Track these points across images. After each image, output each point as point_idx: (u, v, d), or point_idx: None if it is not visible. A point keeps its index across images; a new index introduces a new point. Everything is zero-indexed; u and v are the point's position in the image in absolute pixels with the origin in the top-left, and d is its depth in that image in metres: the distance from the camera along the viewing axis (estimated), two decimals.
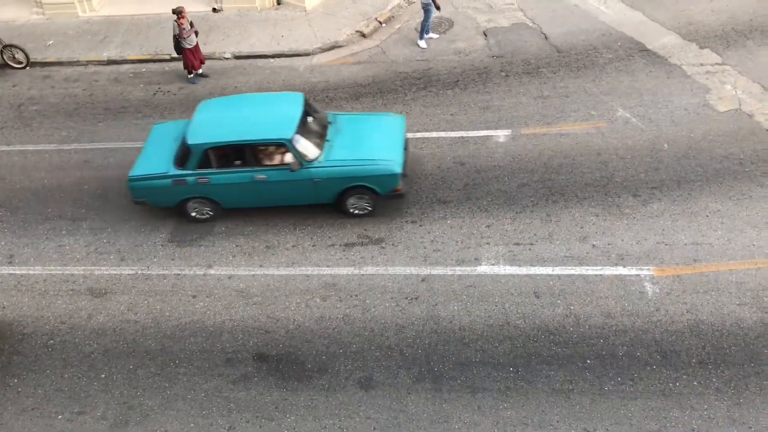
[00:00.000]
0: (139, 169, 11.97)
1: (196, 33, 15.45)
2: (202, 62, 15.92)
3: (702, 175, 12.11)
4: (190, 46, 15.42)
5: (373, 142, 11.82)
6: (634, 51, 15.21)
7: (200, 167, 11.56)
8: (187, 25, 15.13)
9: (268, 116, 11.76)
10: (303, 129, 11.51)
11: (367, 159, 11.48)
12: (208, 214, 12.20)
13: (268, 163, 11.54)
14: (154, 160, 12.03)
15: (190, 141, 11.48)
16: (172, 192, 11.82)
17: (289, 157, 11.35)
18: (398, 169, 11.41)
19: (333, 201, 11.84)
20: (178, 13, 14.92)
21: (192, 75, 15.91)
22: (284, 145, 11.27)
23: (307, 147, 11.42)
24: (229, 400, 9.62)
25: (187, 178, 11.64)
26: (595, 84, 14.35)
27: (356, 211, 11.91)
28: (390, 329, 10.20)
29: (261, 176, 11.50)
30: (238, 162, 11.57)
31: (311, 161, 11.40)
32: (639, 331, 9.81)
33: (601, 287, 10.41)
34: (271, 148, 11.49)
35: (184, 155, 11.62)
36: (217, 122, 11.75)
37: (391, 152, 11.65)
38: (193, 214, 12.18)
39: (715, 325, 9.83)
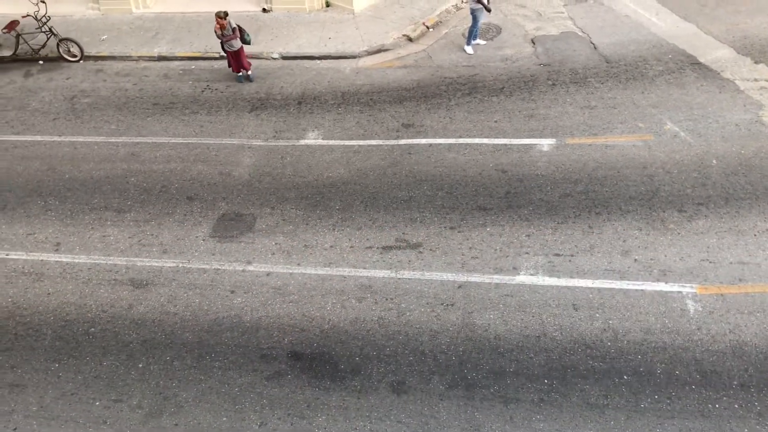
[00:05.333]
0: None
1: (244, 40, 15.47)
2: (243, 67, 15.85)
3: (751, 193, 11.80)
4: (230, 50, 15.50)
5: None
6: (686, 64, 14.91)
7: None
8: (228, 30, 15.12)
9: None
10: None
11: None
12: None
13: None
14: None
15: None
16: None
17: None
18: None
19: None
20: (217, 16, 14.99)
21: (240, 73, 16.08)
22: None
23: None
24: (262, 396, 9.70)
25: None
26: (643, 96, 14.11)
27: None
28: (424, 334, 10.17)
29: None
30: None
31: None
32: (679, 349, 9.60)
33: (641, 302, 10.22)
34: None
35: None
36: None
37: None
38: None
39: (759, 347, 9.57)
